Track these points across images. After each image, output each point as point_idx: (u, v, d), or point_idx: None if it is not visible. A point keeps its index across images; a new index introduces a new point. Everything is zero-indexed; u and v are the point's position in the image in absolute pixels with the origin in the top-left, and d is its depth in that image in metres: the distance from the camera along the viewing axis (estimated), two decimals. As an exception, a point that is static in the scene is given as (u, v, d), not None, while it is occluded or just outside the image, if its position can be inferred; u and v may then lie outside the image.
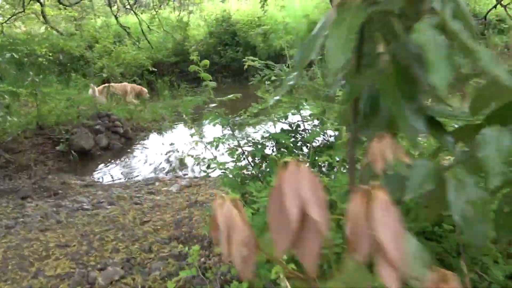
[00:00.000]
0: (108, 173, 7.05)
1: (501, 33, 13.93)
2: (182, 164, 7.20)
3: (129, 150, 8.31)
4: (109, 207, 4.65)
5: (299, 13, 17.56)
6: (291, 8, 18.14)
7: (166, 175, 6.46)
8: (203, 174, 6.34)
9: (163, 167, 7.11)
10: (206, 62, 2.76)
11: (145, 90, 11.64)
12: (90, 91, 10.81)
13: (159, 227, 3.62)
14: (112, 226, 3.76)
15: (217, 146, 2.90)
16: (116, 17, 12.45)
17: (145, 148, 8.38)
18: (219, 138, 2.86)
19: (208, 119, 2.80)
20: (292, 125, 3.12)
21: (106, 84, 10.59)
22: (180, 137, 8.94)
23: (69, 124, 8.27)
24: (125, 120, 9.17)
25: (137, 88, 11.61)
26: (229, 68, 15.23)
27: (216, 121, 2.79)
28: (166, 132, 9.28)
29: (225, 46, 15.34)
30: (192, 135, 3.50)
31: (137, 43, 13.21)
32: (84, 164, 7.58)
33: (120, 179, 6.62)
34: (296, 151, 2.87)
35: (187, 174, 6.45)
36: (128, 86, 11.57)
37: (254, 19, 16.04)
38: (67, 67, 14.32)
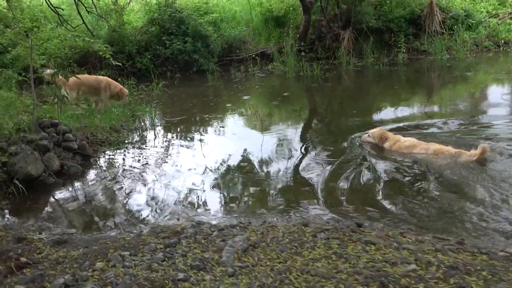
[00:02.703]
0: (79, 216, 4.85)
1: (469, 28, 13.31)
2: (178, 195, 5.22)
3: (92, 174, 6.07)
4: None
5: (245, 1, 15.81)
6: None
7: (178, 220, 4.46)
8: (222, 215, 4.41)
9: (156, 201, 5.07)
10: None
11: (126, 91, 9.29)
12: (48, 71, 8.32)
13: None
14: None
15: None
16: (41, -5, 9.77)
17: (114, 169, 6.19)
18: None
19: None
20: None
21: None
22: (155, 151, 6.85)
23: (1, 140, 5.86)
24: (76, 130, 6.85)
25: (114, 85, 9.16)
26: (176, 61, 13.07)
27: None
28: (133, 146, 7.09)
29: (170, 36, 13.14)
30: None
31: (73, 27, 10.63)
32: (33, 199, 5.27)
33: (105, 226, 4.48)
34: None
35: (211, 213, 4.50)
36: (102, 80, 9.13)
37: (201, 6, 14.00)
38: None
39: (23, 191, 5.18)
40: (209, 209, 4.80)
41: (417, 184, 5.02)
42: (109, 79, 9.26)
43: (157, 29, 13.40)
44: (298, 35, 13.48)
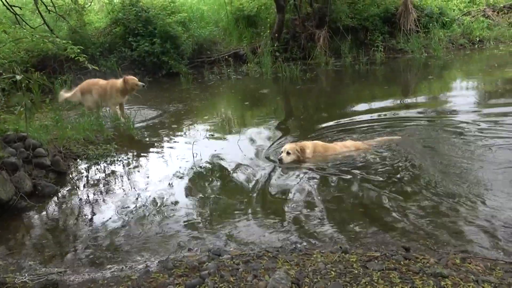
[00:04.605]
0: (63, 247, 4.07)
1: (443, 26, 13.20)
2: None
3: (69, 194, 5.27)
4: None
5: (213, 0, 15.18)
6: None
7: (190, 250, 3.78)
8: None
9: (149, 224, 4.36)
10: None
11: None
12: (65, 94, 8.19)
13: None
14: None
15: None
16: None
17: (93, 187, 5.42)
18: None
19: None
20: None
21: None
22: (135, 164, 6.11)
23: (-40, 158, 4.97)
24: (46, 143, 6.00)
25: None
26: (144, 63, 12.25)
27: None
28: (112, 159, 6.29)
29: (137, 37, 12.30)
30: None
31: (33, 28, 9.65)
32: (4, 229, 4.43)
33: (98, 259, 3.73)
34: None
35: (221, 237, 3.83)
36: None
37: (168, 5, 13.22)
38: None
39: (-9, 220, 4.36)
40: (217, 232, 4.11)
41: (417, 192, 4.63)
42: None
43: (122, 29, 12.56)
44: (272, 35, 12.91)
